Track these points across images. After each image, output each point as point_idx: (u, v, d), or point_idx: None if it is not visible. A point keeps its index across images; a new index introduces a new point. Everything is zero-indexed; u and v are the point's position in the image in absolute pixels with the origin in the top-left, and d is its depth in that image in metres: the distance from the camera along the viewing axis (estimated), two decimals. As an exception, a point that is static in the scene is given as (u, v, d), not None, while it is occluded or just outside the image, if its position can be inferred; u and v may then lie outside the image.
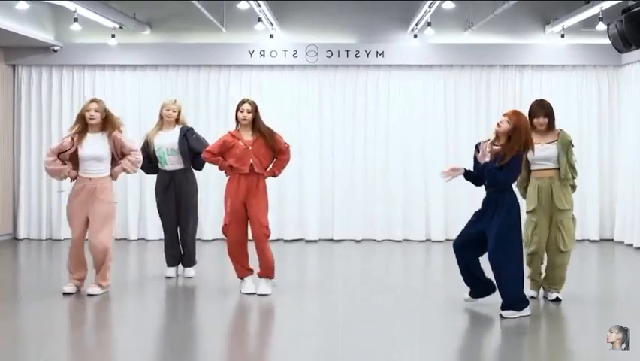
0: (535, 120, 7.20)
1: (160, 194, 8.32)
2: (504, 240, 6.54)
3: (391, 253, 10.78)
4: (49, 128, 11.69)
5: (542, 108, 7.23)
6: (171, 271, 8.41)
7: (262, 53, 11.55)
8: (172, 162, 8.22)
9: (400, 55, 11.62)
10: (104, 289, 7.45)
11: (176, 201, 8.27)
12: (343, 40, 11.67)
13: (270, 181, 7.65)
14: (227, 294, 7.51)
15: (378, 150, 11.64)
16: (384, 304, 7.27)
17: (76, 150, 7.31)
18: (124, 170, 7.50)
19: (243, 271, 7.51)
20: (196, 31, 11.61)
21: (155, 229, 11.50)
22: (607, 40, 9.36)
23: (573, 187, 7.30)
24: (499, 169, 6.54)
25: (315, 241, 11.55)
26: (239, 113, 7.44)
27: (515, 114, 6.67)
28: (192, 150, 8.16)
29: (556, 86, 11.57)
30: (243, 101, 7.50)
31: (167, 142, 8.20)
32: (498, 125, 6.67)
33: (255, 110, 7.45)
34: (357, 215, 11.62)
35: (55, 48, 11.49)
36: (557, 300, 7.16)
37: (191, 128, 8.34)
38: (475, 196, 11.26)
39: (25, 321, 6.71)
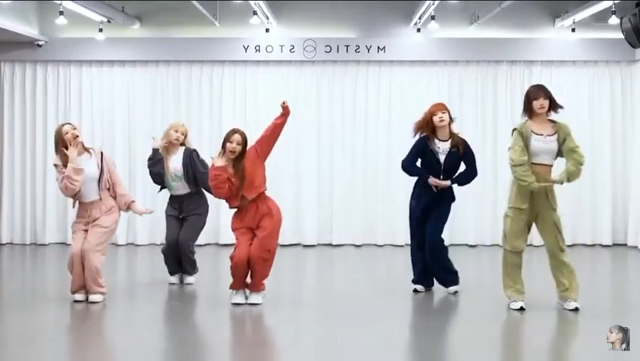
0: (535, 103, 7.01)
1: (167, 218, 8.45)
2: (443, 224, 7.90)
3: (393, 258, 10.75)
4: (33, 127, 11.69)
5: (542, 90, 7.09)
6: (174, 278, 8.55)
7: (257, 48, 11.56)
8: (178, 188, 8.36)
9: (403, 50, 11.63)
10: (104, 295, 7.54)
11: (182, 221, 8.39)
12: (343, 34, 11.69)
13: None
14: (222, 304, 7.50)
15: (379, 150, 11.64)
16: (384, 312, 7.31)
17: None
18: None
19: (239, 285, 7.49)
20: (188, 25, 11.61)
21: (144, 234, 11.58)
22: (620, 35, 9.40)
23: (573, 173, 7.04)
24: (463, 156, 7.79)
25: (313, 246, 11.54)
26: (228, 144, 7.28)
27: (443, 104, 7.84)
28: (195, 174, 8.19)
29: (566, 82, 11.56)
30: (234, 131, 7.34)
31: (171, 167, 8.31)
32: (441, 120, 7.69)
33: (244, 142, 7.30)
34: (357, 218, 11.62)
35: (40, 43, 11.48)
36: (576, 310, 7.01)
37: (195, 150, 8.39)
38: (482, 198, 11.41)
39: (24, 329, 6.66)
